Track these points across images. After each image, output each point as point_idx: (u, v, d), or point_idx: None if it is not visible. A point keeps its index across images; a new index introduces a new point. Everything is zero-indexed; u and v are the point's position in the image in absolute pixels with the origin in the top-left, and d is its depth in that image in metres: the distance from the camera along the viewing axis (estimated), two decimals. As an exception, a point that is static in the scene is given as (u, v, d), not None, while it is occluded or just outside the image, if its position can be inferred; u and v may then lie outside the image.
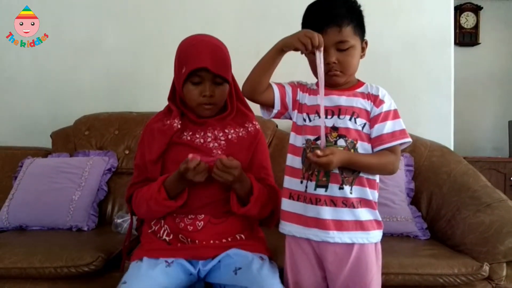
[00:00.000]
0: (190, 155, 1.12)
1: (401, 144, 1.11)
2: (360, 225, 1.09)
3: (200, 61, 1.19)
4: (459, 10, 3.82)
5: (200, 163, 1.12)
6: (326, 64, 1.08)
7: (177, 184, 1.19)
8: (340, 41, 1.07)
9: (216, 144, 1.27)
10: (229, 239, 1.23)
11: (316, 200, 1.09)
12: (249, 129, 1.32)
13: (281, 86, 1.17)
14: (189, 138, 1.27)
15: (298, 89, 1.18)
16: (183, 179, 1.16)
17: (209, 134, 1.27)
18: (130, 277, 1.11)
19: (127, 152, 2.07)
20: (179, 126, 1.27)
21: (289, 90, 1.17)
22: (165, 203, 1.18)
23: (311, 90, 1.17)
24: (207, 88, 1.22)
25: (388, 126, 1.09)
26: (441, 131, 2.31)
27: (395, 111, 1.12)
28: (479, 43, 3.89)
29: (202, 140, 1.27)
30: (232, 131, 1.29)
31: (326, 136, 1.09)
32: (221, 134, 1.28)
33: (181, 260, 1.19)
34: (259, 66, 1.12)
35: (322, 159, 1.00)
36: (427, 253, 1.53)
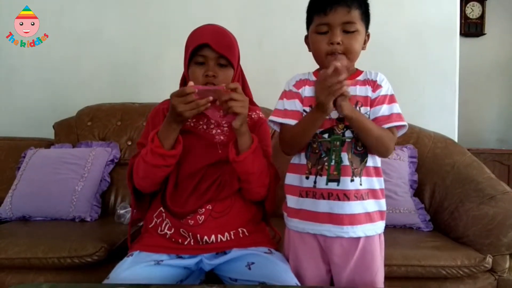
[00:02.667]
0: (191, 83, 1.10)
1: (397, 126, 1.09)
2: (368, 217, 1.09)
3: (202, 38, 1.19)
4: (464, 0, 3.77)
5: (190, 95, 1.07)
6: (330, 44, 1.06)
7: (168, 127, 1.14)
8: (348, 22, 1.05)
9: (218, 131, 1.27)
10: (232, 233, 1.22)
11: (328, 195, 1.08)
12: (253, 116, 1.32)
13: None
14: (192, 124, 1.27)
15: (299, 92, 1.14)
16: (173, 119, 1.12)
17: (212, 121, 1.27)
18: (114, 272, 1.11)
19: (129, 143, 2.07)
20: None
21: (300, 107, 1.13)
22: (159, 151, 1.13)
23: (310, 81, 1.15)
24: (210, 68, 1.21)
25: (384, 109, 1.08)
26: (445, 122, 2.31)
27: (392, 96, 1.11)
28: (485, 34, 3.83)
29: (205, 127, 1.27)
30: None
31: (333, 128, 1.08)
32: (224, 121, 1.27)
33: (174, 257, 1.18)
34: (300, 136, 1.10)
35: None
36: (430, 245, 1.53)
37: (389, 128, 1.08)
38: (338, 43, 1.06)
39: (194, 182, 1.23)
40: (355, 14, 1.05)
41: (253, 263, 1.14)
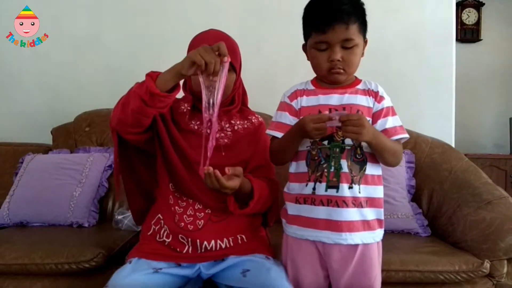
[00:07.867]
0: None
1: (401, 138, 1.12)
2: (367, 225, 1.09)
3: (206, 42, 1.18)
4: (460, 6, 3.80)
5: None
6: (330, 61, 1.08)
7: (171, 72, 1.13)
8: (346, 39, 1.06)
9: (222, 134, 1.27)
10: (231, 239, 1.22)
11: (327, 202, 1.08)
12: (253, 120, 1.34)
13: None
14: (196, 127, 1.27)
15: (292, 104, 1.16)
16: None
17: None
18: (113, 279, 1.11)
19: (127, 148, 2.07)
20: (185, 110, 1.28)
21: (290, 120, 1.15)
22: (147, 83, 1.11)
23: (308, 91, 1.16)
24: None
25: (390, 122, 1.11)
26: (442, 127, 2.32)
27: (393, 107, 1.14)
28: (481, 40, 3.86)
29: (208, 131, 1.26)
30: (238, 122, 1.31)
31: (333, 135, 1.08)
32: (227, 125, 1.28)
33: (173, 265, 1.18)
34: (283, 152, 1.15)
35: (354, 116, 0.99)
36: (428, 250, 1.53)
37: (396, 140, 1.11)
38: (339, 60, 1.07)
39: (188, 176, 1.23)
40: (353, 29, 1.06)
41: (248, 270, 1.14)
